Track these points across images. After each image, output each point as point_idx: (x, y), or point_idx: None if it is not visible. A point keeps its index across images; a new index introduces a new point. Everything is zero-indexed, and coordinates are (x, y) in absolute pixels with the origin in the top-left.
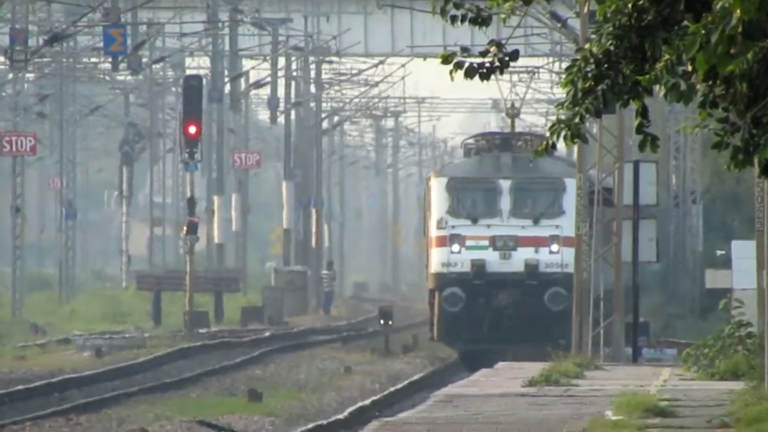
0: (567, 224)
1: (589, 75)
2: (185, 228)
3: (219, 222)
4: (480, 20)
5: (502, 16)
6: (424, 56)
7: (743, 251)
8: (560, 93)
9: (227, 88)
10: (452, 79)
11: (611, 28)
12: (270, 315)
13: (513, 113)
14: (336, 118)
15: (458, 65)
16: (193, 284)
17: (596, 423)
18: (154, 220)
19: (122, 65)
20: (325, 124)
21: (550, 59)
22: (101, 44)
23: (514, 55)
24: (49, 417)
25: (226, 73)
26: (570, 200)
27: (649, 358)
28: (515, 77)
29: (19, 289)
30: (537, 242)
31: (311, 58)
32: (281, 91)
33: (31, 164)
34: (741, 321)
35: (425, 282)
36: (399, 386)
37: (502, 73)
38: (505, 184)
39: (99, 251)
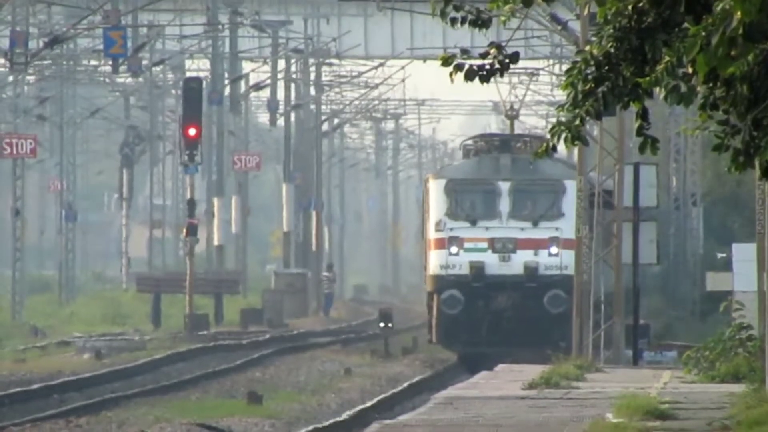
0: (566, 226)
1: (590, 77)
2: (185, 230)
3: (219, 224)
4: (480, 22)
5: (502, 18)
6: (424, 58)
7: (744, 254)
8: (560, 95)
9: (227, 90)
10: (452, 81)
11: (611, 30)
12: (270, 317)
13: (512, 115)
14: (336, 121)
15: (458, 67)
16: (193, 286)
17: (597, 425)
18: (154, 222)
19: (122, 68)
20: (325, 127)
21: (551, 61)
22: (101, 47)
23: (515, 58)
24: (48, 419)
25: (226, 75)
26: (569, 202)
27: (649, 360)
28: (515, 79)
29: (19, 292)
30: (536, 244)
31: (311, 61)
32: (281, 94)
33: (31, 166)
34: (741, 323)
35: (424, 284)
36: (399, 388)
37: (502, 75)
38: (504, 186)
39: (99, 253)
